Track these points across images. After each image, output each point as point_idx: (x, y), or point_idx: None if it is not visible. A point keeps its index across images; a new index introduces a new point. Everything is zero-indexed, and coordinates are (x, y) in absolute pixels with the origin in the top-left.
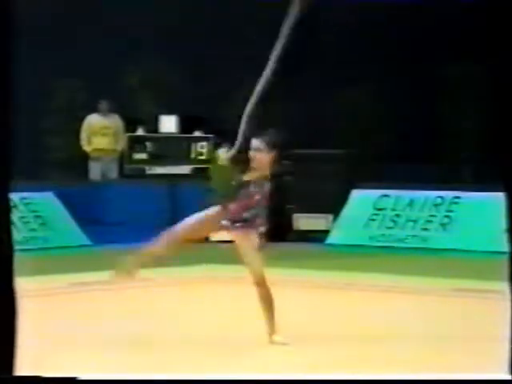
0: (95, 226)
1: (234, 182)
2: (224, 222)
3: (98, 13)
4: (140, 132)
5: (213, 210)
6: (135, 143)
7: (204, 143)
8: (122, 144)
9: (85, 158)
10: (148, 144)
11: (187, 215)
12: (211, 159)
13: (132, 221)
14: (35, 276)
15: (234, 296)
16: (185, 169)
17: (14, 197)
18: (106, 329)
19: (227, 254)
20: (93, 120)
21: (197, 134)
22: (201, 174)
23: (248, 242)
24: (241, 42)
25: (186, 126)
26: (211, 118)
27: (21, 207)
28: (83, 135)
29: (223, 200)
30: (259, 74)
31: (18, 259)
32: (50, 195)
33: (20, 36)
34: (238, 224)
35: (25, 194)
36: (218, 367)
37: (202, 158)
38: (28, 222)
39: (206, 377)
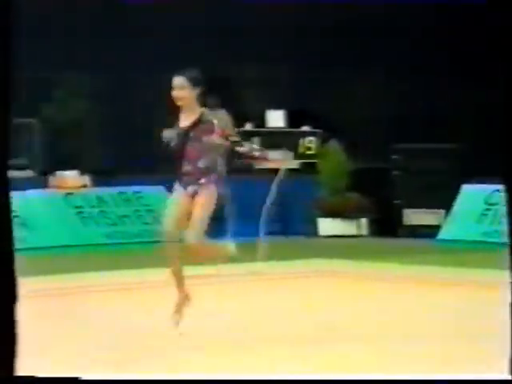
0: None
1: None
2: (189, 188)
3: (214, 10)
4: (248, 127)
5: (176, 193)
6: (243, 138)
7: (312, 138)
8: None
9: None
10: (256, 139)
11: (294, 210)
12: (319, 154)
13: (239, 215)
14: (154, 268)
15: (346, 290)
16: (293, 163)
17: (128, 190)
18: (218, 324)
19: (336, 249)
20: None
21: (305, 128)
22: (309, 168)
23: (203, 197)
24: (347, 36)
25: (293, 120)
26: (319, 113)
27: (134, 201)
28: None
29: (332, 194)
30: (367, 69)
31: (135, 252)
32: (162, 189)
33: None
34: (199, 181)
35: (138, 188)
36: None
37: (310, 152)
38: (141, 216)
39: (206, 377)
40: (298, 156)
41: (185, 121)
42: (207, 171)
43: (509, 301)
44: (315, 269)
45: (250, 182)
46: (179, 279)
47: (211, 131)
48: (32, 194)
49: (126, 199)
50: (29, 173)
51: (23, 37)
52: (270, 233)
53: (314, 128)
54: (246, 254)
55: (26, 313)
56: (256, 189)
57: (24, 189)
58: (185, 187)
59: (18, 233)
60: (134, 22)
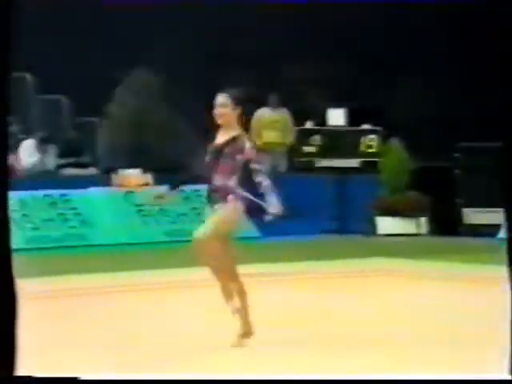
0: (263, 219)
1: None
2: (216, 207)
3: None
4: (309, 125)
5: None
6: (304, 136)
7: (373, 136)
8: (290, 137)
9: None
10: (317, 137)
11: (355, 209)
12: (380, 152)
13: (300, 213)
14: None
15: (405, 289)
16: (354, 162)
17: (188, 189)
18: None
19: (395, 247)
20: (262, 114)
21: (365, 126)
22: (370, 167)
23: (227, 208)
24: (410, 35)
25: (354, 118)
26: (380, 111)
27: (194, 199)
28: (253, 129)
29: (392, 192)
30: (430, 68)
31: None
32: None
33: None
34: (225, 199)
35: (197, 187)
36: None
37: (371, 150)
38: (200, 214)
39: (207, 377)
40: (358, 154)
41: (221, 138)
42: (236, 190)
43: None
44: (374, 268)
45: (310, 181)
46: (227, 293)
47: (242, 151)
48: (94, 191)
49: (186, 197)
50: (92, 171)
51: (84, 38)
52: (328, 231)
53: (375, 126)
54: (304, 253)
55: (91, 310)
56: (315, 187)
57: (87, 186)
58: (212, 205)
59: (80, 230)
60: (198, 22)
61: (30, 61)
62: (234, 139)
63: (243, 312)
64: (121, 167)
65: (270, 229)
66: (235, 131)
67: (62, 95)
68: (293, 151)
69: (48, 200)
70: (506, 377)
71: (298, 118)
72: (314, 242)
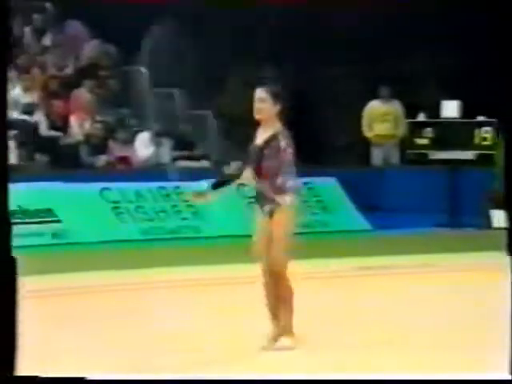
0: (375, 212)
1: None
2: (265, 208)
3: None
4: (421, 117)
5: (257, 216)
6: (416, 129)
7: (488, 128)
8: (402, 130)
9: (366, 143)
10: (429, 129)
11: (467, 202)
12: (495, 144)
13: (412, 206)
14: (312, 259)
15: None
16: (467, 154)
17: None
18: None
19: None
20: (374, 106)
21: (480, 118)
22: (484, 159)
23: (281, 217)
24: None
25: (468, 110)
26: (495, 102)
27: (304, 191)
28: (365, 121)
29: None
30: None
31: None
32: (332, 180)
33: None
34: (273, 200)
35: (308, 179)
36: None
37: (486, 143)
38: (310, 206)
39: (207, 377)
40: (472, 147)
41: (261, 137)
42: (284, 189)
43: None
44: (488, 261)
45: (422, 174)
46: (274, 309)
47: (282, 151)
48: (205, 184)
49: None
50: (204, 163)
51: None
52: (440, 225)
53: (490, 118)
54: (417, 246)
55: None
56: (428, 180)
57: (199, 179)
58: (261, 207)
59: (192, 222)
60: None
61: (145, 55)
62: (272, 138)
63: (285, 315)
64: (233, 160)
65: (382, 222)
66: (274, 128)
67: (176, 88)
68: (405, 143)
69: (162, 192)
70: (506, 377)
71: (411, 110)
72: (425, 235)
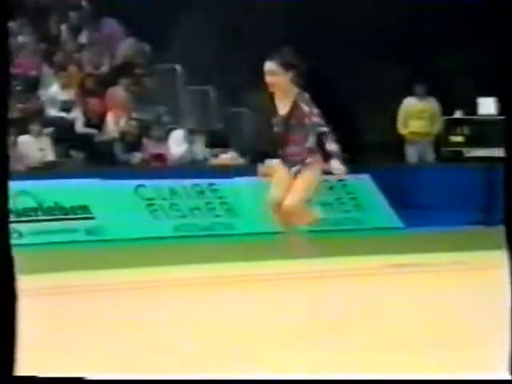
0: (408, 209)
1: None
2: (294, 169)
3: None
4: (458, 115)
5: (278, 173)
6: (452, 126)
7: None
8: (437, 127)
9: (401, 141)
10: (465, 127)
11: (500, 199)
12: None
13: (446, 204)
14: (352, 256)
15: None
16: (503, 152)
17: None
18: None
19: None
20: (409, 103)
21: None
22: None
23: (306, 175)
24: None
25: (506, 108)
26: None
27: (337, 189)
28: (400, 118)
29: None
30: None
31: (331, 240)
32: (366, 178)
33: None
34: (305, 160)
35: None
36: None
37: None
38: (343, 204)
39: (207, 377)
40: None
41: (283, 107)
42: (314, 151)
43: None
44: None
45: (458, 171)
46: None
47: (308, 115)
48: (240, 181)
49: (330, 187)
50: (239, 161)
51: (234, 29)
52: (475, 222)
53: None
54: (450, 244)
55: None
56: (463, 177)
57: (233, 176)
58: (290, 167)
59: (226, 219)
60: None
61: (179, 52)
62: (295, 105)
63: None
64: (267, 158)
65: (415, 219)
66: (292, 95)
67: (210, 86)
68: (440, 141)
69: (196, 189)
70: (506, 377)
71: (447, 107)
72: (459, 233)
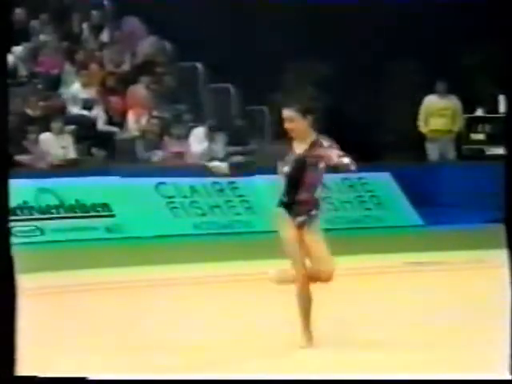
0: (429, 207)
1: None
2: (300, 219)
3: None
4: (479, 113)
5: (285, 224)
6: (473, 124)
7: None
8: (458, 125)
9: (422, 138)
10: (487, 125)
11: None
12: None
13: (467, 202)
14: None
15: None
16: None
17: (352, 177)
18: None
19: None
20: (430, 101)
21: None
22: None
23: (318, 229)
24: None
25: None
26: None
27: (358, 187)
28: (421, 116)
29: None
30: None
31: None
32: (387, 176)
33: None
34: (311, 212)
35: (362, 174)
36: None
37: None
38: (364, 202)
39: (207, 377)
40: None
41: (299, 147)
42: (318, 202)
43: None
44: None
45: (478, 169)
46: (305, 313)
47: (322, 157)
48: (260, 179)
49: (350, 185)
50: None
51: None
52: (492, 220)
53: None
54: (470, 241)
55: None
56: (484, 175)
57: (253, 174)
58: (294, 217)
59: (245, 217)
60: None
61: (201, 50)
62: (312, 145)
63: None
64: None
65: (435, 217)
66: (310, 138)
67: (231, 84)
68: (461, 139)
69: (216, 187)
70: (506, 377)
71: (468, 105)
72: (479, 231)
